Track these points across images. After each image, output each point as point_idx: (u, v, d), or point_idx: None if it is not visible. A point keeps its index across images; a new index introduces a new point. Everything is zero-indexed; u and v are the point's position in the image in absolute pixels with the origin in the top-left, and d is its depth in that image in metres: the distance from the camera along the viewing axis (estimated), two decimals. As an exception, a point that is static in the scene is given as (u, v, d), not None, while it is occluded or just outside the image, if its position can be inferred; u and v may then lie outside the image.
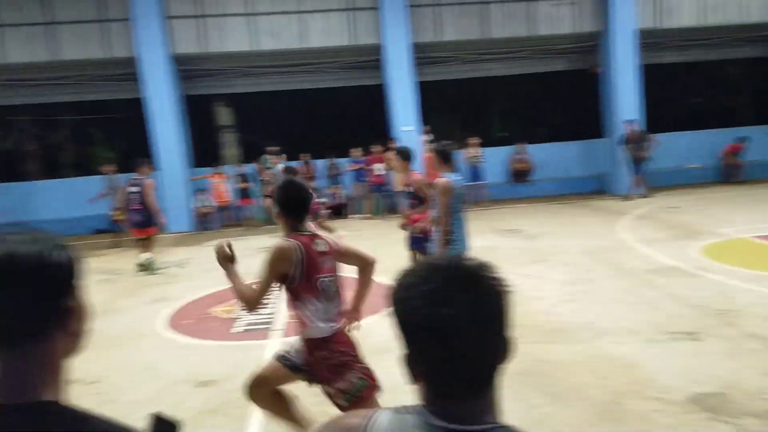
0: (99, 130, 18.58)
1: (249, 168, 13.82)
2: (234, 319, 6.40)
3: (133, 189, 8.70)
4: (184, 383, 4.77)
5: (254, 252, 10.15)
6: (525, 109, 17.99)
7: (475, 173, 14.31)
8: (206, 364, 5.17)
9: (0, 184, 14.51)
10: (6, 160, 18.22)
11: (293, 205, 2.92)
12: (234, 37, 13.38)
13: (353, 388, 2.81)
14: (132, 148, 18.70)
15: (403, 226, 6.28)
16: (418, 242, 6.05)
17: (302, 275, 2.81)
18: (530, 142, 15.54)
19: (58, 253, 0.97)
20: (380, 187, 13.63)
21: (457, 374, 0.97)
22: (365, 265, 3.11)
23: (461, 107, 18.82)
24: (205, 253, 10.47)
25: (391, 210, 13.54)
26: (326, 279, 2.87)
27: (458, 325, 0.95)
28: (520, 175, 15.24)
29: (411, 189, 5.94)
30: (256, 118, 17.94)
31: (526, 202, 14.24)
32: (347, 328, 3.07)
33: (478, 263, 1.03)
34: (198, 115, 15.05)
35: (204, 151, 15.25)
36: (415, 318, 0.97)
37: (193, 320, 6.50)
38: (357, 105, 18.84)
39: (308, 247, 2.83)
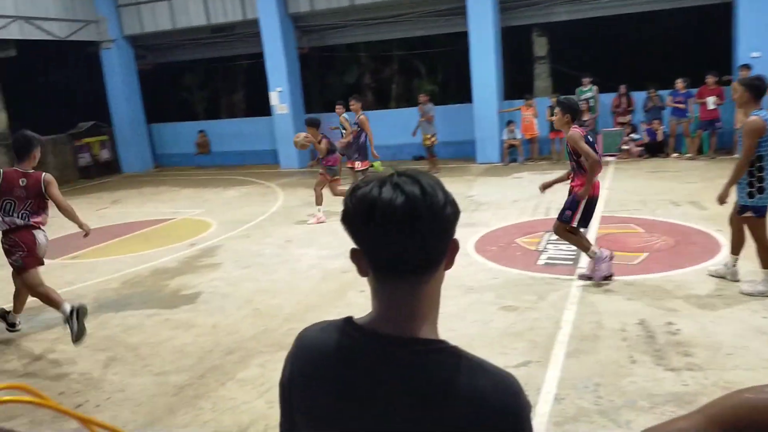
0: (423, 63, 20.14)
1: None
2: (539, 252, 6.54)
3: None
4: (490, 304, 5.13)
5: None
6: None
7: None
8: (510, 291, 5.45)
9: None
10: (347, 92, 21.15)
11: (15, 151, 4.92)
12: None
13: (16, 264, 4.89)
14: (450, 80, 19.90)
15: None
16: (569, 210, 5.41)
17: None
18: None
19: (450, 193, 1.01)
20: (712, 123, 11.90)
21: None
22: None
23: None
24: (512, 184, 10.75)
25: (722, 150, 11.84)
26: (9, 201, 4.79)
27: None
28: None
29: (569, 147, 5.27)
30: (572, 47, 17.19)
31: None
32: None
33: None
34: (512, 46, 15.05)
35: (515, 83, 15.32)
36: None
37: (497, 247, 6.84)
38: (687, 29, 16.58)
39: (8, 177, 4.78)
